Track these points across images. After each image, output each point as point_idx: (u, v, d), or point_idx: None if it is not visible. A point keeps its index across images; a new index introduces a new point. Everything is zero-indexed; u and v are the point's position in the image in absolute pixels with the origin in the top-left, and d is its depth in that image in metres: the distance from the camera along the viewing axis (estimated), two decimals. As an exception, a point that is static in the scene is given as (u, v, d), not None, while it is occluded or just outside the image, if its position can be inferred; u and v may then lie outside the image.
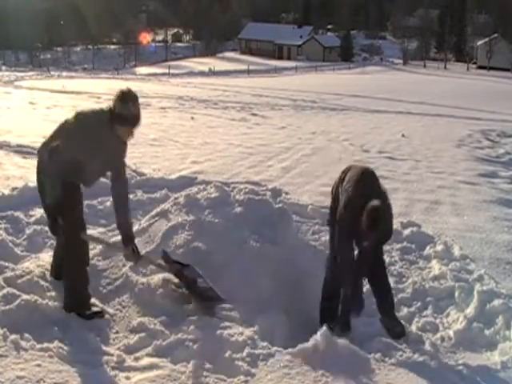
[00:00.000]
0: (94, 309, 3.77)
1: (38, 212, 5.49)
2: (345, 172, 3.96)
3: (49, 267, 4.27)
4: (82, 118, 3.68)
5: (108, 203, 5.75)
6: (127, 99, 3.56)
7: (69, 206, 3.64)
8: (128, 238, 3.79)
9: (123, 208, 3.80)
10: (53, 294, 3.84)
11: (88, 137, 3.56)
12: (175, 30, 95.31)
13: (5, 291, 3.60)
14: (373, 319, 4.08)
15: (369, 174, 3.83)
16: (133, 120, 3.58)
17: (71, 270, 3.73)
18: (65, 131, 3.65)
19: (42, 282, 3.96)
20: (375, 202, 3.48)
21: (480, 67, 71.59)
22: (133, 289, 4.05)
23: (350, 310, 3.89)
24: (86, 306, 3.72)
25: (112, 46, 79.22)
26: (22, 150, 8.10)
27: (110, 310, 3.87)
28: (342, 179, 3.92)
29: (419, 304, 4.29)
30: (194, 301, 3.86)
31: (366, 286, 4.13)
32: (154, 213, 4.90)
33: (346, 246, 3.76)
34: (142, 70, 56.94)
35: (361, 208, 3.50)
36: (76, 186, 3.74)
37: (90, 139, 3.55)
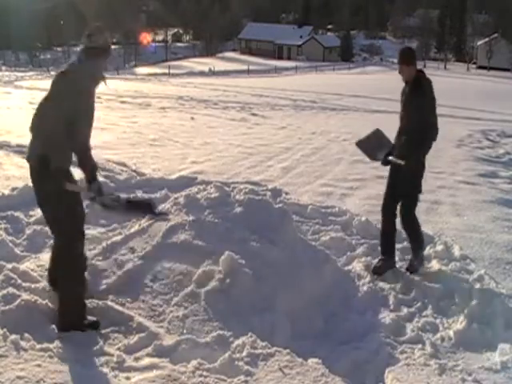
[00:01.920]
0: (90, 318, 3.62)
1: (38, 212, 5.48)
2: None
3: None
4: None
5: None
6: (95, 32, 3.64)
7: (69, 208, 3.52)
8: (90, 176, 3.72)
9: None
10: (53, 293, 3.83)
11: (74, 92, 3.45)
12: (175, 30, 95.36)
13: (5, 291, 3.60)
14: (371, 317, 4.09)
15: None
16: (108, 49, 3.76)
17: (67, 278, 3.56)
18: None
19: (42, 282, 3.96)
20: None
21: (480, 67, 71.64)
22: (133, 289, 4.05)
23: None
24: (81, 319, 3.57)
25: (112, 46, 79.16)
26: (22, 150, 8.08)
27: (111, 311, 3.86)
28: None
29: (419, 304, 4.29)
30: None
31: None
32: (154, 213, 4.90)
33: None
34: (142, 70, 56.97)
35: None
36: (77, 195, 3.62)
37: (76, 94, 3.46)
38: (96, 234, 5.14)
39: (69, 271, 3.54)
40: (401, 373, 3.33)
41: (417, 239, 4.80)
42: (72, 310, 3.54)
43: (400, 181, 4.68)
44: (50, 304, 3.68)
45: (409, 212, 4.73)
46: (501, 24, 72.08)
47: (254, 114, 15.66)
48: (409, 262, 4.83)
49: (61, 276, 3.62)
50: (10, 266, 4.12)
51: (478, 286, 4.31)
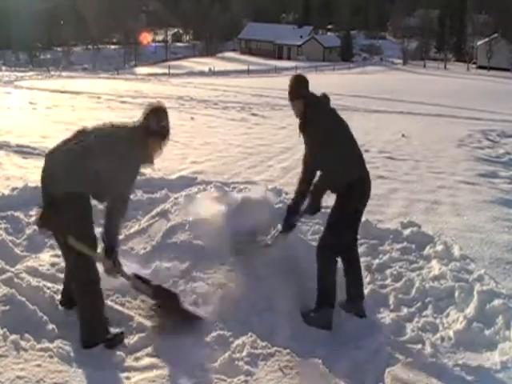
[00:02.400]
0: (113, 331, 3.51)
1: (38, 212, 5.49)
2: None
3: (49, 267, 4.28)
4: (114, 129, 3.53)
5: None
6: (163, 115, 3.59)
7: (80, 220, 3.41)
8: (110, 249, 3.51)
9: (111, 220, 3.53)
10: (53, 293, 3.84)
11: (117, 151, 3.39)
12: (175, 30, 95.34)
13: (5, 291, 3.60)
14: (371, 317, 4.09)
15: None
16: (167, 134, 3.62)
17: (85, 294, 3.46)
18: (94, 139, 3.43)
19: (42, 282, 3.96)
20: None
21: (480, 67, 71.59)
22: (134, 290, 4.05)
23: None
24: (104, 333, 3.46)
25: (112, 46, 79.22)
26: (22, 150, 8.10)
27: (111, 311, 3.86)
28: None
29: (419, 304, 4.29)
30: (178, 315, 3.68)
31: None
32: (154, 213, 4.91)
33: None
34: (142, 70, 56.90)
35: None
36: (86, 199, 3.46)
37: (119, 153, 3.39)
38: (96, 234, 5.13)
39: (85, 286, 3.45)
40: (401, 373, 3.33)
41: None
42: (94, 325, 3.44)
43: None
44: (50, 304, 3.69)
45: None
46: (501, 24, 72.03)
47: (254, 114, 15.66)
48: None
49: (78, 292, 3.49)
50: (9, 266, 4.12)
51: (477, 286, 4.31)
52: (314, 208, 3.99)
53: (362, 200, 4.05)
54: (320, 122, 3.90)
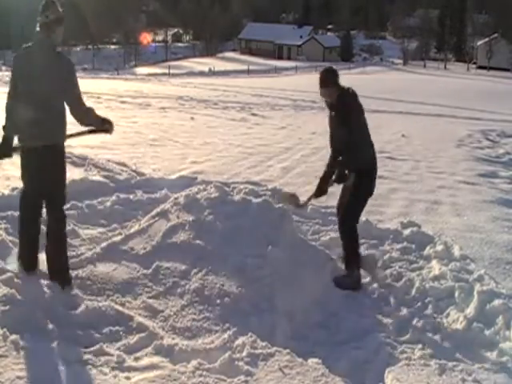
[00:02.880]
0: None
1: (38, 212, 5.49)
2: None
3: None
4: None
5: (108, 203, 5.76)
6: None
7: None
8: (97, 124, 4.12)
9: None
10: (53, 294, 3.84)
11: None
12: (175, 30, 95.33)
13: (5, 291, 3.60)
14: (371, 317, 4.09)
15: None
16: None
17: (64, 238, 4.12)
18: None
19: (42, 282, 3.96)
20: None
21: (480, 67, 71.63)
22: (133, 289, 4.06)
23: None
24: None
25: (112, 46, 79.28)
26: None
27: (111, 311, 3.86)
28: None
29: (419, 304, 4.29)
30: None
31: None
32: (154, 213, 4.90)
33: None
34: (142, 70, 56.96)
35: None
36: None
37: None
38: (96, 233, 5.15)
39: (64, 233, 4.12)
40: (401, 373, 3.33)
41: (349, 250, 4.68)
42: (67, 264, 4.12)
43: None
44: (50, 304, 3.68)
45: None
46: (501, 24, 72.06)
47: (253, 114, 15.67)
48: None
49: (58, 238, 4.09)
50: (9, 265, 4.12)
51: (478, 286, 4.31)
52: (341, 178, 4.61)
53: (374, 185, 4.74)
54: (353, 106, 4.46)
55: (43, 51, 3.80)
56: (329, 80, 4.49)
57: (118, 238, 4.72)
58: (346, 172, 4.56)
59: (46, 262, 4.09)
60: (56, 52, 3.87)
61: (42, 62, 3.78)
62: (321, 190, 4.91)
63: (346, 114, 4.43)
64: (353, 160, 4.52)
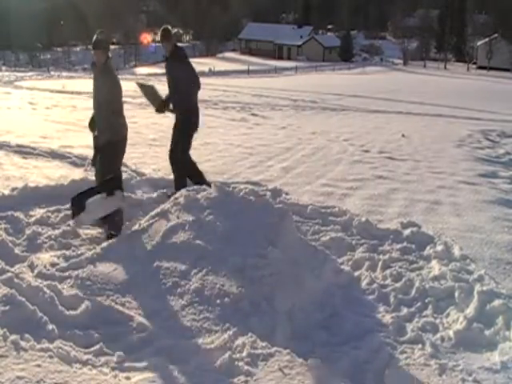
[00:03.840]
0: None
1: (38, 212, 5.50)
2: None
3: (49, 267, 4.30)
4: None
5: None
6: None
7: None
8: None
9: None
10: (53, 294, 3.84)
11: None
12: (175, 30, 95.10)
13: (5, 291, 3.60)
14: (371, 317, 4.09)
15: None
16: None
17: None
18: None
19: (42, 282, 3.96)
20: None
21: (480, 67, 71.60)
22: (133, 289, 4.05)
23: None
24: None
25: (112, 46, 79.20)
26: (22, 150, 8.10)
27: (111, 311, 3.86)
28: None
29: (419, 304, 4.29)
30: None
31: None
32: (153, 213, 4.90)
33: None
34: (142, 70, 56.92)
35: None
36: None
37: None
38: (96, 233, 5.15)
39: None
40: (400, 373, 3.33)
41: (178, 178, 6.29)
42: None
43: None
44: (50, 304, 3.69)
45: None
46: (501, 24, 72.00)
47: (254, 114, 15.66)
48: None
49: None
50: (9, 266, 4.12)
51: (478, 285, 4.31)
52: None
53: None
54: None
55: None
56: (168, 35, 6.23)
57: (118, 238, 4.72)
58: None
59: None
60: None
61: None
62: (162, 105, 6.59)
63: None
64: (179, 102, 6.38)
